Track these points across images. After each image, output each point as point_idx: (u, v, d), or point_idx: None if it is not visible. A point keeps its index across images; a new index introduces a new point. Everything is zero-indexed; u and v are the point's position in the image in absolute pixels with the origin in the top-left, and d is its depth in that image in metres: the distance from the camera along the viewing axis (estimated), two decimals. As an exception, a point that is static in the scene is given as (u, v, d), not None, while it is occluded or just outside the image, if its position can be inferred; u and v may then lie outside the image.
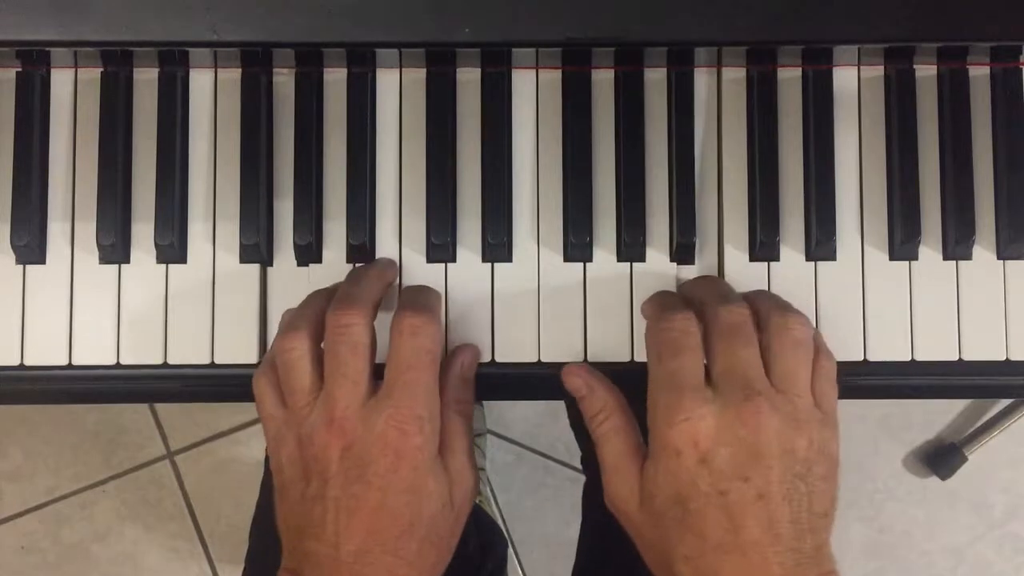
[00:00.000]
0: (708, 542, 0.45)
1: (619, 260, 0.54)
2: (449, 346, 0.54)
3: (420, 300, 0.51)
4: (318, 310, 0.50)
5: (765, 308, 0.49)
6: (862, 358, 0.54)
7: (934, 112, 0.55)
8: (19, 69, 0.54)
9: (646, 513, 0.48)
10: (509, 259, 0.54)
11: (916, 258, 0.54)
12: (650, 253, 0.54)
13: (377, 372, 0.49)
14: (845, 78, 0.55)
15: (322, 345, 0.49)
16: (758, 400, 0.45)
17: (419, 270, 0.54)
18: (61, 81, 0.55)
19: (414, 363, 0.48)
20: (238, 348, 0.53)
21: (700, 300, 0.50)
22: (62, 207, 0.54)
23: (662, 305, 0.51)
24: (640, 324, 0.54)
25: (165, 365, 0.54)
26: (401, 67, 0.55)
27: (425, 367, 0.49)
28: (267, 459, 0.78)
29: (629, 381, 0.51)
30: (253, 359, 0.54)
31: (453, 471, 0.50)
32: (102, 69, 0.54)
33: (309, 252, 0.54)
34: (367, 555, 0.47)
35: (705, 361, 0.48)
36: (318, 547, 0.47)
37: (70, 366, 0.54)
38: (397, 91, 0.55)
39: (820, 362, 0.49)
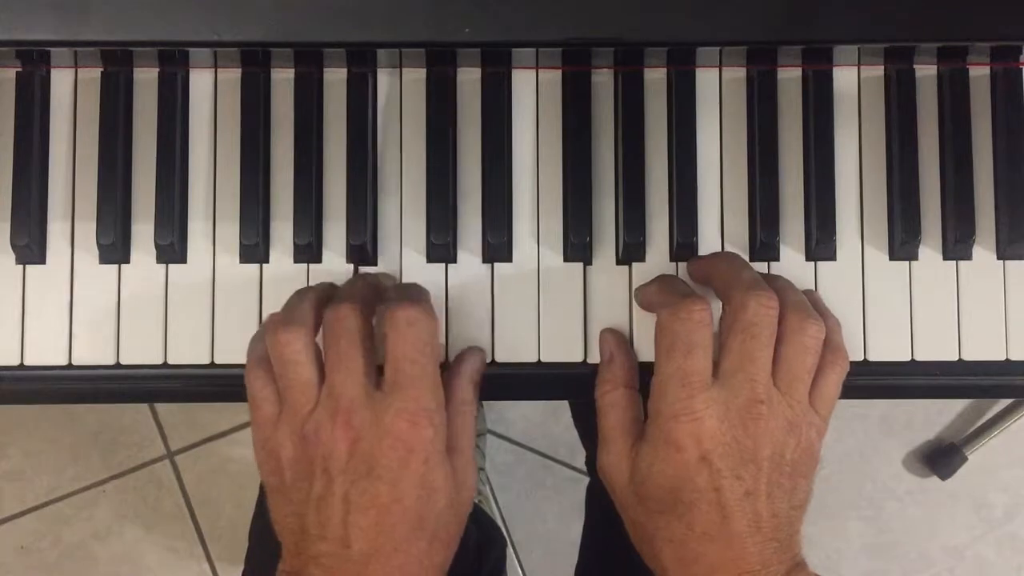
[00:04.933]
0: (694, 531, 0.47)
1: (619, 260, 0.54)
2: (449, 346, 0.54)
3: (411, 293, 0.51)
4: (312, 306, 0.49)
5: (786, 304, 0.49)
6: (862, 358, 0.54)
7: (934, 112, 0.55)
8: (19, 69, 0.54)
9: (636, 493, 0.49)
10: (509, 259, 0.54)
11: (916, 258, 0.54)
12: (650, 253, 0.54)
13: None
14: (845, 78, 0.55)
15: (317, 340, 0.49)
16: (760, 407, 0.47)
17: (419, 270, 0.54)
18: (61, 81, 0.55)
19: (416, 356, 0.48)
20: (238, 348, 0.53)
21: (725, 280, 0.50)
22: (62, 207, 0.54)
23: (672, 291, 0.50)
24: (640, 324, 0.54)
25: (165, 365, 0.54)
26: (401, 67, 0.55)
27: (427, 359, 0.48)
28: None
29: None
30: (253, 359, 0.54)
31: (458, 470, 0.49)
32: (102, 69, 0.54)
33: (309, 252, 0.54)
34: (378, 554, 0.46)
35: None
36: (324, 547, 0.47)
37: (70, 366, 0.54)
38: (398, 91, 0.55)
39: (831, 367, 0.50)
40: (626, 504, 0.50)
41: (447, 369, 0.52)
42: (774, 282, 0.51)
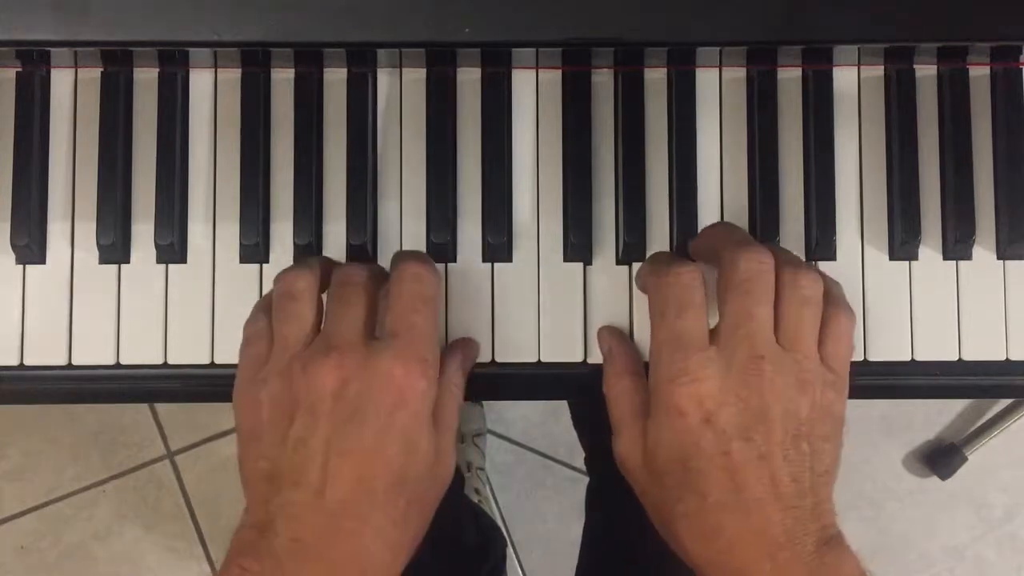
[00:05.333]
0: (708, 500, 0.45)
1: (619, 260, 0.54)
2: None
3: (418, 254, 0.51)
4: (322, 264, 0.50)
5: (779, 262, 0.48)
6: (862, 358, 0.54)
7: (934, 112, 0.55)
8: (19, 69, 0.54)
9: (649, 471, 0.47)
10: (509, 259, 0.54)
11: (916, 258, 0.54)
12: (650, 253, 0.54)
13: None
14: (845, 78, 0.55)
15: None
16: (761, 363, 0.45)
17: (419, 270, 0.54)
18: (61, 81, 0.55)
19: (418, 307, 0.47)
20: (238, 348, 0.53)
21: (718, 244, 0.49)
22: (62, 207, 0.54)
23: (665, 260, 0.50)
24: (641, 323, 0.54)
25: (165, 365, 0.54)
26: (401, 67, 0.55)
27: (428, 314, 0.48)
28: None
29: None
30: (253, 359, 0.54)
31: (441, 441, 0.48)
32: (102, 69, 0.54)
33: (309, 252, 0.54)
34: (354, 507, 0.44)
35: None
36: (297, 496, 0.44)
37: (70, 366, 0.54)
38: (398, 91, 0.55)
39: (835, 320, 0.48)
40: (644, 487, 0.48)
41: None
42: (769, 246, 0.50)
